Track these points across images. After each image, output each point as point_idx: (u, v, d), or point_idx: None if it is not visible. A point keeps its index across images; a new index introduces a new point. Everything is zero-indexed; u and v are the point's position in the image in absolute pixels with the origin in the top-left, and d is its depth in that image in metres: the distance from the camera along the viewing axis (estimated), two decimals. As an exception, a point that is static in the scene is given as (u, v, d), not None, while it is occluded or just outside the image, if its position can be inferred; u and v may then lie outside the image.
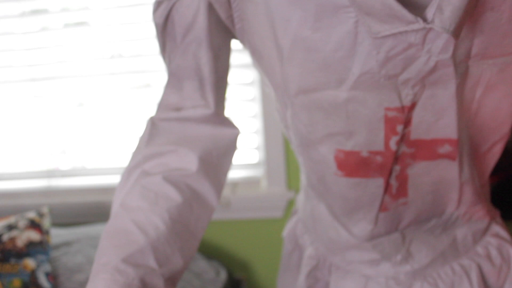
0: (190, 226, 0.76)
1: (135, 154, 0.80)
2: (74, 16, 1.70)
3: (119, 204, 0.74)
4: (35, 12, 1.73)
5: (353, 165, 0.78)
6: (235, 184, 1.80)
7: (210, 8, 0.74)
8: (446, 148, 0.77)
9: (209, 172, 0.80)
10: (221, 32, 0.78)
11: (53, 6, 1.71)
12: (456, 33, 0.61)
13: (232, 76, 1.63)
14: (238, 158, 1.78)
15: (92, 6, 1.69)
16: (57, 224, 1.82)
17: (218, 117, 0.82)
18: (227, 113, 0.86)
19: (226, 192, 1.78)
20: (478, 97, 0.75)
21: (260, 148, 1.76)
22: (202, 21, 0.75)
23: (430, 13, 0.61)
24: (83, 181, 1.85)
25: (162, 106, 0.83)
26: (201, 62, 0.77)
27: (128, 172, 0.78)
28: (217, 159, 0.82)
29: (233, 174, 1.77)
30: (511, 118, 0.81)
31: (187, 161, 0.78)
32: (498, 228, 0.93)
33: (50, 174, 1.86)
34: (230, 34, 0.79)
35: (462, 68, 0.70)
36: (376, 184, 0.79)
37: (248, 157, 1.79)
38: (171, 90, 0.82)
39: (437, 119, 0.74)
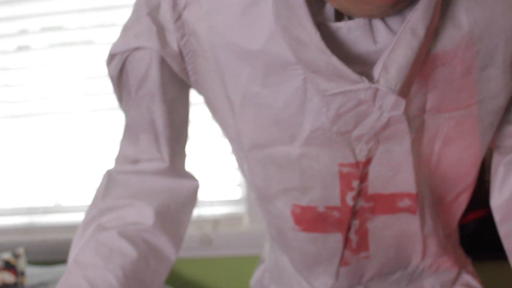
0: (146, 281, 0.74)
1: (91, 207, 0.78)
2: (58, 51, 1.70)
3: (73, 259, 0.73)
4: (20, 48, 1.73)
5: (310, 220, 0.76)
6: (217, 221, 1.77)
7: (163, 62, 0.73)
8: (405, 202, 0.75)
9: (166, 226, 0.78)
10: (176, 84, 0.77)
11: (38, 43, 1.71)
12: (402, 93, 0.60)
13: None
14: (219, 194, 1.76)
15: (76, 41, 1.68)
16: (36, 262, 1.79)
17: (175, 170, 0.80)
18: (187, 164, 0.84)
19: (207, 229, 1.76)
20: (437, 150, 0.73)
21: (242, 185, 1.74)
22: (154, 75, 0.74)
23: (376, 71, 0.60)
24: (63, 218, 1.83)
25: (119, 158, 0.81)
26: (154, 116, 0.76)
27: (83, 227, 0.77)
28: (175, 212, 0.80)
29: (215, 210, 1.75)
30: (475, 168, 0.79)
31: (144, 215, 0.77)
32: (468, 278, 0.91)
33: (31, 211, 1.84)
34: (186, 85, 0.78)
35: (417, 122, 0.69)
36: (335, 239, 0.78)
37: (229, 194, 1.77)
38: (127, 143, 0.80)
39: (394, 173, 0.72)
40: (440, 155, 0.74)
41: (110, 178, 0.80)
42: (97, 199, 0.79)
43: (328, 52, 0.58)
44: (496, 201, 0.79)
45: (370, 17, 0.60)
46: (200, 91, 0.76)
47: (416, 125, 0.69)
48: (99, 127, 1.75)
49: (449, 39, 0.63)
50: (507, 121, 0.76)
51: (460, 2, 0.62)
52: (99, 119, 1.73)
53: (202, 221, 1.75)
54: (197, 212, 1.75)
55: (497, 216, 0.80)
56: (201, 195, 1.75)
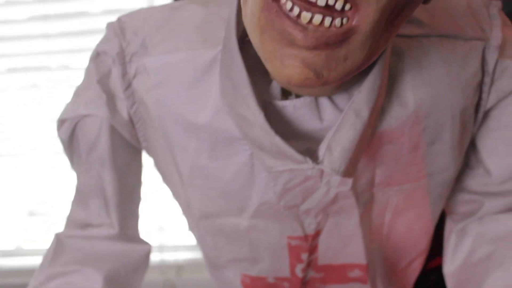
0: None
1: (38, 272, 0.76)
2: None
3: None
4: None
5: (260, 290, 0.75)
6: (180, 266, 1.75)
7: (113, 129, 0.72)
8: (356, 273, 0.75)
9: (115, 292, 0.76)
10: (128, 150, 0.76)
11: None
12: (347, 173, 0.60)
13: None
14: (183, 239, 1.74)
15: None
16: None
17: (126, 235, 0.79)
18: (139, 228, 0.83)
19: (171, 274, 1.74)
20: (387, 222, 0.73)
21: (206, 230, 1.72)
22: (104, 142, 0.73)
23: (321, 151, 0.60)
24: (24, 261, 1.79)
25: (69, 222, 0.80)
26: (104, 182, 0.75)
27: None
28: (125, 277, 0.79)
29: (178, 255, 1.73)
30: (427, 236, 0.80)
31: (92, 281, 0.75)
32: None
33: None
34: (138, 150, 0.77)
35: (366, 196, 0.69)
36: (286, 308, 0.77)
37: (193, 239, 1.75)
38: (77, 207, 0.79)
39: (344, 245, 0.72)
40: (391, 226, 0.74)
41: (59, 242, 0.78)
42: (45, 264, 0.77)
43: (272, 132, 0.58)
44: (449, 269, 0.79)
45: (316, 96, 0.61)
46: (151, 156, 0.76)
47: (365, 199, 0.69)
48: (62, 169, 1.73)
49: (395, 118, 0.63)
50: (459, 189, 0.77)
51: (406, 81, 0.63)
52: (62, 161, 1.72)
53: (165, 266, 1.73)
54: (160, 257, 1.73)
55: (449, 283, 0.80)
56: (164, 240, 1.73)
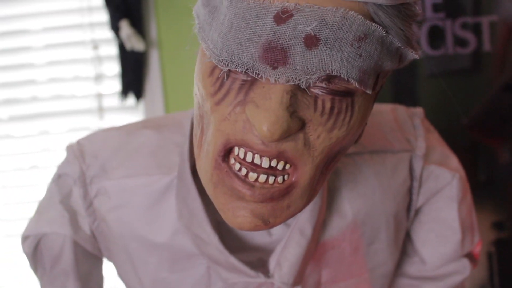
0: None
1: None
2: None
3: None
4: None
5: None
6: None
7: (76, 243, 0.77)
8: None
9: None
10: (90, 260, 0.80)
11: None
12: (295, 282, 0.66)
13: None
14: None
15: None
16: None
17: None
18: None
19: None
20: None
21: None
22: (68, 256, 0.77)
23: (271, 265, 0.66)
24: None
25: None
26: (68, 292, 0.79)
27: None
28: None
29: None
30: None
31: None
32: None
33: None
34: (100, 258, 0.82)
35: (314, 294, 0.75)
36: None
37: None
38: (43, 316, 0.82)
39: None
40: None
41: None
42: None
43: (226, 252, 0.64)
44: None
45: None
46: (113, 265, 0.80)
47: (314, 296, 0.75)
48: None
49: (336, 228, 0.70)
50: (399, 274, 0.84)
51: (343, 195, 0.70)
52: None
53: None
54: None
55: None
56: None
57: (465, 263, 0.81)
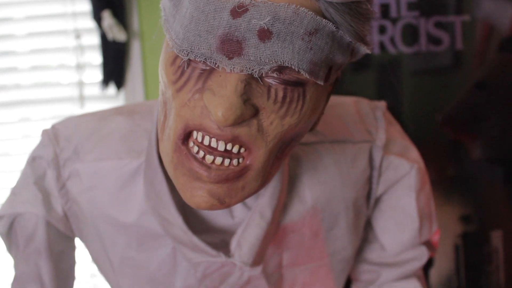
0: None
1: None
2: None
3: None
4: None
5: None
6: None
7: (49, 223, 0.80)
8: None
9: None
10: (63, 239, 0.83)
11: None
12: (255, 262, 0.70)
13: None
14: None
15: None
16: None
17: None
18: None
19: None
20: None
21: None
22: (41, 235, 0.80)
23: (232, 246, 0.70)
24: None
25: (7, 307, 0.86)
26: (41, 271, 0.82)
27: None
28: None
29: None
30: None
31: None
32: None
33: None
34: (72, 238, 0.85)
35: (275, 276, 0.79)
36: None
37: None
38: (16, 293, 0.85)
39: None
40: (301, 299, 0.84)
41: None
42: None
43: (189, 233, 0.68)
44: None
45: None
46: (84, 244, 0.83)
47: (275, 278, 0.79)
48: None
49: (296, 212, 0.74)
50: (360, 260, 0.88)
51: (304, 182, 0.74)
52: None
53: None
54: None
55: None
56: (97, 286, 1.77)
57: (423, 250, 0.85)
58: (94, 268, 1.71)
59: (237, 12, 0.51)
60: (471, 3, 1.58)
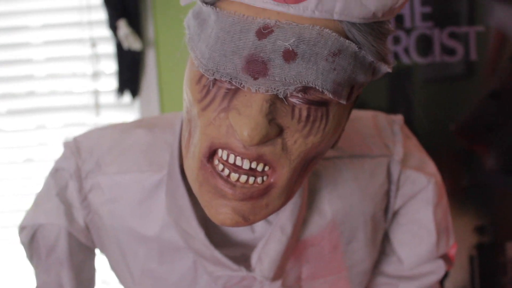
0: None
1: None
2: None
3: None
4: None
5: None
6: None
7: (71, 234, 0.81)
8: None
9: None
10: (84, 250, 0.84)
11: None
12: (276, 277, 0.71)
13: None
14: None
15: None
16: None
17: None
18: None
19: None
20: None
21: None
22: (62, 246, 0.81)
23: (254, 259, 0.71)
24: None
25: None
26: (63, 281, 0.83)
27: None
28: None
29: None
30: None
31: None
32: None
33: None
34: (93, 249, 0.86)
35: (294, 289, 0.80)
36: None
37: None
38: (37, 303, 0.86)
39: None
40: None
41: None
42: None
43: (211, 247, 0.69)
44: None
45: None
46: (105, 255, 0.84)
47: (294, 291, 0.79)
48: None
49: (315, 226, 0.75)
50: (378, 273, 0.88)
51: (323, 196, 0.75)
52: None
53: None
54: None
55: None
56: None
57: (440, 264, 0.86)
58: (105, 274, 1.75)
59: (263, 33, 0.52)
60: (485, 13, 1.58)
